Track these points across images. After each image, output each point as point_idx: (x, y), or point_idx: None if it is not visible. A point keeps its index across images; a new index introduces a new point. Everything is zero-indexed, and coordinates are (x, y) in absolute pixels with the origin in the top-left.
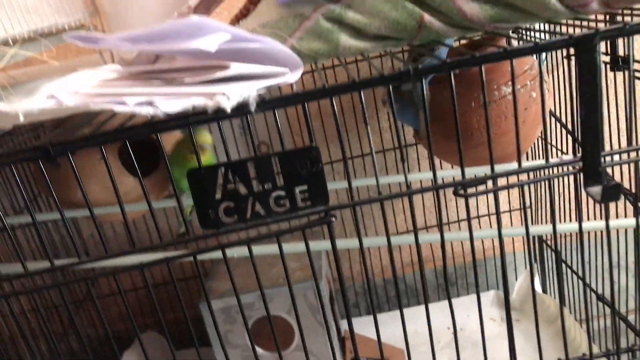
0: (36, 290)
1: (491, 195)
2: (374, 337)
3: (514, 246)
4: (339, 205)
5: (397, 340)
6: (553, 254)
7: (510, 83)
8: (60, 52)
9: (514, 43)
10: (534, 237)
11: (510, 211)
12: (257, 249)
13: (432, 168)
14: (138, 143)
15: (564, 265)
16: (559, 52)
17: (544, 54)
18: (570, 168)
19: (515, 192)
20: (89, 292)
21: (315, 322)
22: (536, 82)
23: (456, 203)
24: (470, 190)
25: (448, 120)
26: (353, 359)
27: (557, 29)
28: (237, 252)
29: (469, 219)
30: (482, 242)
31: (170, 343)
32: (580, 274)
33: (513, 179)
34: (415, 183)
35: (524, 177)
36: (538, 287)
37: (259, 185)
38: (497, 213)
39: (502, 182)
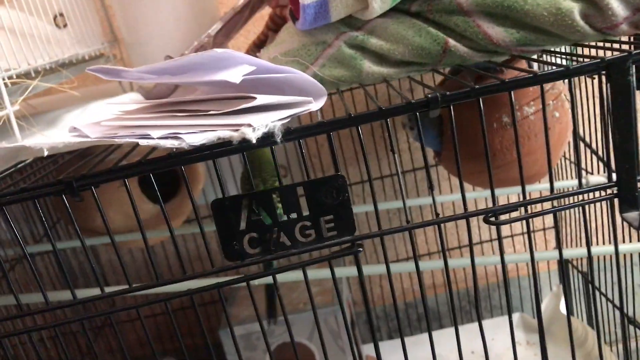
0: (58, 324)
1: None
2: None
3: (538, 267)
4: (366, 235)
5: None
6: (579, 275)
7: (532, 103)
8: (79, 80)
9: (534, 65)
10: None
11: (533, 231)
12: (281, 276)
13: (462, 194)
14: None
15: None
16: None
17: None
18: (604, 193)
19: None
20: (108, 318)
21: (336, 348)
22: (558, 102)
23: (478, 223)
24: (502, 217)
25: (469, 142)
26: None
27: (579, 50)
28: (259, 281)
29: (500, 245)
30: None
31: None
32: (612, 297)
33: (545, 205)
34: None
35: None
36: (563, 309)
37: (284, 216)
38: (530, 238)
39: (533, 208)
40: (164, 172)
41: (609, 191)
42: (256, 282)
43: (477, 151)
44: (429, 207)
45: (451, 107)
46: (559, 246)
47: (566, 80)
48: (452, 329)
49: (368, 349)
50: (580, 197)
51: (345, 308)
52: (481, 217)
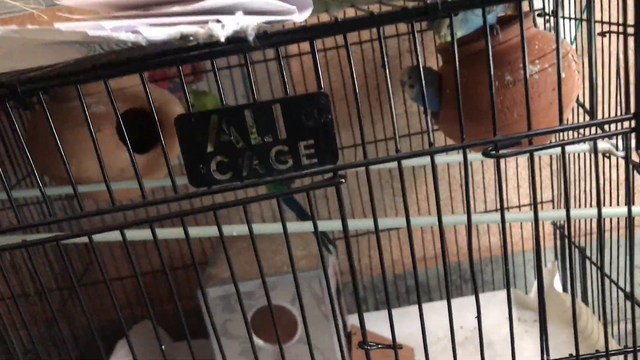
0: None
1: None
2: (382, 333)
3: (534, 243)
4: (350, 164)
5: (406, 338)
6: (576, 251)
7: (537, 62)
8: None
9: (539, 21)
10: (556, 233)
11: (538, 204)
12: (258, 227)
13: (460, 126)
14: (139, 116)
15: (588, 263)
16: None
17: (572, 33)
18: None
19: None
20: (85, 274)
21: (320, 314)
22: (565, 62)
23: (484, 184)
24: (503, 151)
25: (470, 101)
26: (360, 342)
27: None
28: (238, 230)
29: (499, 182)
30: (504, 236)
31: (159, 334)
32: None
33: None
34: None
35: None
36: (558, 285)
37: (258, 138)
38: (533, 178)
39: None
40: (144, 121)
41: (625, 125)
42: (235, 232)
43: (477, 111)
44: (422, 175)
45: (451, 17)
46: (567, 200)
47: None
48: (440, 303)
49: (354, 319)
50: (593, 130)
51: (331, 273)
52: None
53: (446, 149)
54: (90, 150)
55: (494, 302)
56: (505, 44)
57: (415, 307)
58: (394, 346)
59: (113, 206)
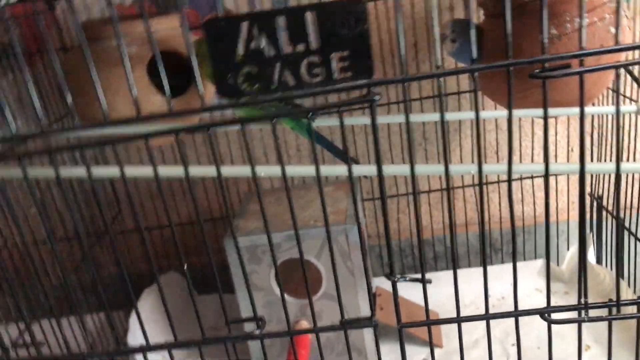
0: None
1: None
2: (409, 298)
3: (568, 214)
4: (385, 80)
5: (432, 305)
6: (613, 221)
7: (586, 15)
8: None
9: None
10: (591, 203)
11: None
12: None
13: (507, 44)
14: (171, 60)
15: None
16: None
17: None
18: None
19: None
20: (113, 223)
21: (345, 271)
22: (616, 17)
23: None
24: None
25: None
26: (388, 274)
27: None
28: (265, 170)
29: (545, 109)
30: (534, 206)
31: (190, 284)
32: None
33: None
34: (466, 127)
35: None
36: (592, 257)
37: (290, 46)
38: (581, 104)
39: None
40: (176, 64)
41: None
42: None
43: (519, 68)
44: (456, 139)
45: None
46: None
47: None
48: (467, 271)
49: (378, 282)
50: None
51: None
52: None
53: (488, 67)
54: (121, 90)
55: (524, 272)
56: None
57: (442, 274)
58: (423, 280)
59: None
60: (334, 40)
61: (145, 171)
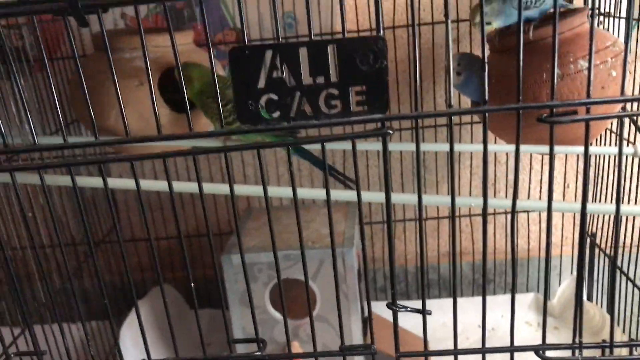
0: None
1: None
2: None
3: (561, 249)
4: (399, 115)
5: (420, 330)
6: (605, 259)
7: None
8: None
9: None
10: (585, 241)
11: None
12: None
13: (518, 87)
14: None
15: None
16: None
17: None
18: None
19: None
20: (110, 233)
21: (340, 293)
22: (617, 61)
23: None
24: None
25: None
26: (389, 303)
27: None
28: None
29: (551, 151)
30: (528, 240)
31: (195, 297)
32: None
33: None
34: (465, 158)
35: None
36: (584, 295)
37: (310, 77)
38: (586, 148)
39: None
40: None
41: None
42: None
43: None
44: (461, 163)
45: None
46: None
47: None
48: (461, 300)
49: (372, 307)
50: None
51: (354, 255)
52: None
53: (499, 109)
54: (131, 102)
55: (515, 304)
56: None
57: (434, 302)
58: (423, 311)
59: (159, 134)
60: (352, 75)
61: (159, 186)
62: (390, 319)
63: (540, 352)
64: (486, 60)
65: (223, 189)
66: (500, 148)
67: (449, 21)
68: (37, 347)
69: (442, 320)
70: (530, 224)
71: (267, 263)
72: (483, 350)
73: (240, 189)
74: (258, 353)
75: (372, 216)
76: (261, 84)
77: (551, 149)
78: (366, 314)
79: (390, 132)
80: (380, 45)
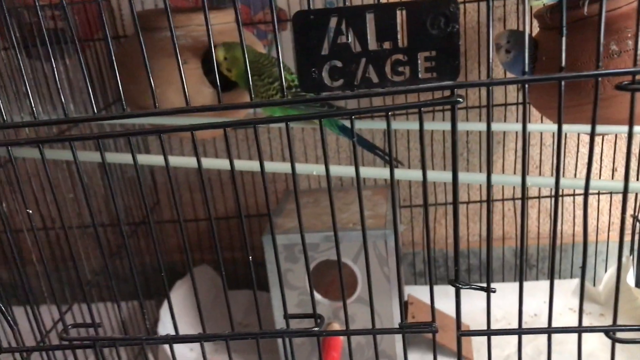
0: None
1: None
2: (438, 307)
3: (608, 235)
4: (471, 83)
5: (463, 316)
6: None
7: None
8: None
9: None
10: (633, 224)
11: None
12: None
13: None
14: None
15: None
16: None
17: None
18: None
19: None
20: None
21: (382, 276)
22: None
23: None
24: None
25: (570, 70)
26: (452, 280)
27: None
28: (317, 169)
29: (631, 122)
30: (574, 225)
31: (224, 279)
32: None
33: None
34: (509, 140)
35: None
36: (631, 281)
37: (377, 43)
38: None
39: None
40: None
41: None
42: (315, 171)
43: (572, 81)
44: (499, 150)
45: None
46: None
47: None
48: (501, 285)
49: (410, 290)
50: None
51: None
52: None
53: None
54: (173, 81)
55: (559, 290)
56: (614, 12)
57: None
58: (488, 289)
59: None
60: (422, 40)
61: (190, 162)
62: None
63: (611, 333)
64: (533, 36)
65: (253, 165)
66: (546, 127)
67: None
68: (94, 319)
69: (482, 306)
70: (575, 208)
71: (307, 244)
72: (549, 330)
73: (272, 166)
74: (316, 329)
75: (412, 199)
76: (325, 50)
77: (631, 121)
78: (405, 297)
79: (461, 100)
80: (453, 8)
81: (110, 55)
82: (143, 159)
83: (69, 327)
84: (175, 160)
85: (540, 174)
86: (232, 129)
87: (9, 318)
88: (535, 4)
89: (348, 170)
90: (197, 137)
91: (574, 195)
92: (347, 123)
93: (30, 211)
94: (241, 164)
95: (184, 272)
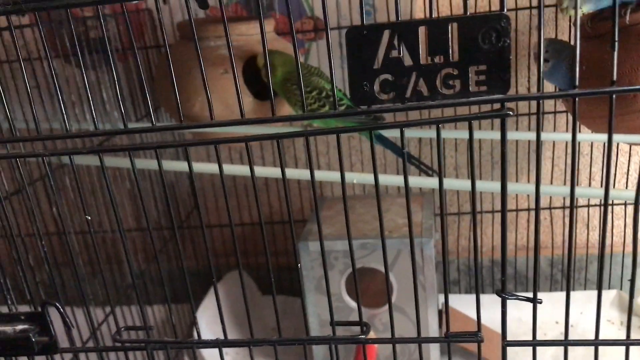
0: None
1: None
2: (472, 316)
3: None
4: (521, 96)
5: (496, 324)
6: None
7: None
8: None
9: None
10: None
11: None
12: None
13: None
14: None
15: None
16: None
17: None
18: None
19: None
20: (188, 218)
21: (418, 284)
22: None
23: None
24: None
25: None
26: (499, 290)
27: None
28: (357, 177)
29: None
30: (612, 234)
31: (273, 284)
32: None
33: None
34: (546, 149)
35: None
36: None
37: (428, 57)
38: None
39: None
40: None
41: None
42: (355, 180)
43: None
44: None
45: None
46: None
47: None
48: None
49: (443, 299)
50: None
51: (432, 246)
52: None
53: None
54: (215, 90)
55: (594, 301)
56: None
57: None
58: (534, 300)
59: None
60: (473, 54)
61: (242, 170)
62: (465, 312)
63: None
64: (576, 46)
65: (303, 174)
66: (585, 137)
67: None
68: (146, 321)
69: (517, 316)
70: (614, 218)
71: (342, 251)
72: (596, 343)
73: (320, 174)
74: (362, 336)
75: (446, 208)
76: (377, 64)
77: None
78: (439, 306)
79: (511, 113)
80: (504, 24)
81: (167, 63)
82: (199, 167)
83: (122, 329)
84: (231, 169)
85: (577, 183)
86: None
87: (67, 319)
88: (573, 12)
89: (395, 180)
90: (237, 144)
91: (612, 205)
92: (384, 132)
93: (90, 217)
94: (289, 172)
95: (218, 278)
